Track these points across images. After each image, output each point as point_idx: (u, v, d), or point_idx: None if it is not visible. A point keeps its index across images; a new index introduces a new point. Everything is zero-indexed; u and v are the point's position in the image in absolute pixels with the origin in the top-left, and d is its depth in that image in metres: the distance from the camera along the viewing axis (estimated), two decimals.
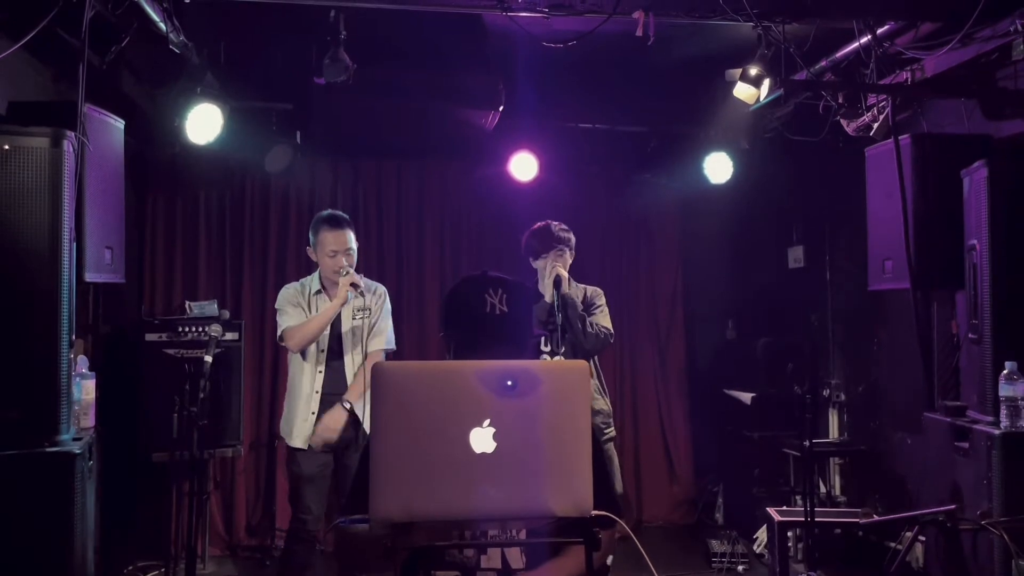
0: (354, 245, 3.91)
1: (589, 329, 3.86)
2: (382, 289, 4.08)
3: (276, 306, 3.96)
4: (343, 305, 3.82)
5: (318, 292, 3.92)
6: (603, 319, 3.95)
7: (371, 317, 3.97)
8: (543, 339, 3.85)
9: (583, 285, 4.07)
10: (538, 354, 3.85)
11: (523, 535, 1.88)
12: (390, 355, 4.05)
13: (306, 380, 3.87)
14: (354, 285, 3.75)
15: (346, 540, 1.88)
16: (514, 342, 1.94)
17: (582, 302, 3.96)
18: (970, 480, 3.19)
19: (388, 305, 4.06)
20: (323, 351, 3.87)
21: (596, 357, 4.00)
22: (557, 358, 3.80)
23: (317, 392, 3.85)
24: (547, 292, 3.88)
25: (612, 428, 4.07)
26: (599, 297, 4.04)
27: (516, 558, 1.91)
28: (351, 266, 3.87)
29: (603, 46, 4.25)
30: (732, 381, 5.92)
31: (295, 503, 3.90)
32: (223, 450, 4.86)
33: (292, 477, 3.92)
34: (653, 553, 1.90)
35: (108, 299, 4.93)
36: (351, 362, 3.91)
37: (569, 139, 5.44)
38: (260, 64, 4.78)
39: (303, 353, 3.88)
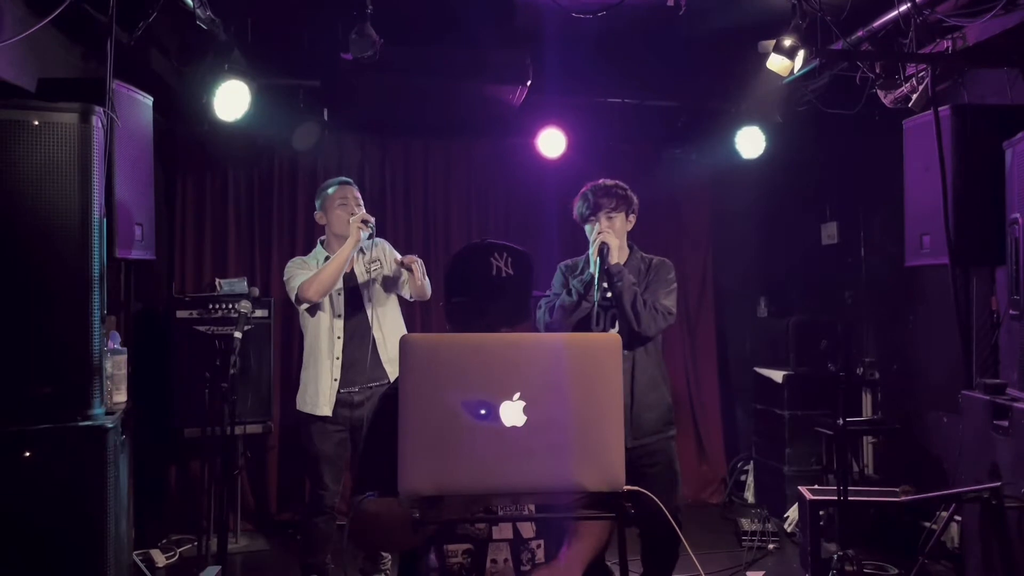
0: (361, 202, 3.98)
1: (640, 308, 3.27)
2: (385, 242, 4.12)
3: (285, 276, 3.99)
4: (357, 244, 3.82)
5: (326, 259, 3.93)
6: (665, 297, 3.34)
7: (385, 265, 4.00)
8: (595, 319, 3.33)
9: (649, 255, 3.51)
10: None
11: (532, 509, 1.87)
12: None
13: (324, 347, 3.88)
14: (365, 221, 3.78)
15: (363, 519, 1.86)
16: (520, 304, 1.95)
17: (644, 275, 3.41)
18: (1009, 459, 3.12)
19: (396, 253, 4.09)
20: (339, 316, 3.88)
21: (658, 341, 3.44)
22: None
23: (338, 358, 3.86)
24: (591, 263, 3.33)
25: (673, 427, 3.47)
26: (667, 271, 3.43)
27: (527, 527, 1.91)
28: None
29: (632, 18, 4.19)
30: (763, 359, 5.86)
31: (313, 479, 3.94)
32: (253, 426, 4.90)
33: (309, 455, 3.95)
34: (683, 531, 1.88)
35: (139, 277, 4.99)
36: (376, 319, 3.90)
37: (597, 114, 5.37)
38: (287, 41, 4.76)
39: (319, 323, 3.89)
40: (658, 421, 3.39)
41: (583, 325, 3.34)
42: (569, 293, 3.37)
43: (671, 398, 3.50)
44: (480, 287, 1.95)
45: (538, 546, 1.90)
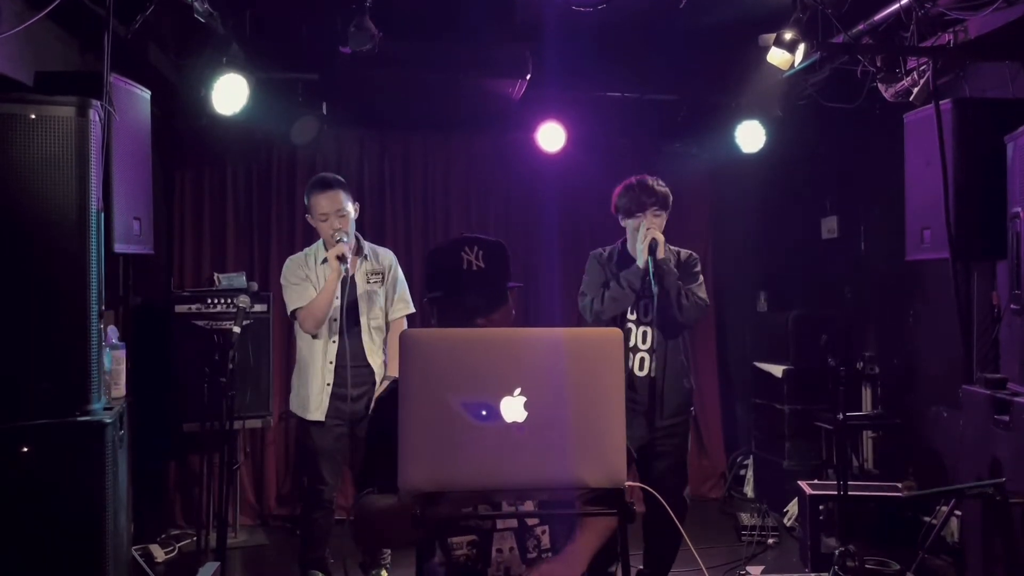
0: (348, 207, 3.84)
1: (684, 300, 3.52)
2: (391, 256, 4.08)
3: (281, 280, 3.97)
4: (340, 276, 3.76)
5: (324, 262, 3.89)
6: (699, 288, 3.62)
7: (385, 283, 3.97)
8: (630, 308, 3.57)
9: (676, 248, 3.71)
10: (622, 322, 3.59)
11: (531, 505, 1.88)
12: (410, 317, 4.10)
13: (318, 352, 3.87)
14: (341, 258, 3.69)
15: (364, 516, 1.87)
16: (493, 294, 1.98)
17: (677, 267, 3.61)
18: (1010, 454, 3.11)
19: (400, 271, 4.07)
20: (335, 320, 3.87)
21: (686, 332, 3.73)
22: (643, 329, 3.62)
23: (331, 363, 3.85)
24: (640, 257, 3.51)
25: (692, 407, 3.83)
26: (695, 263, 3.68)
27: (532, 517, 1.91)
28: (344, 231, 3.80)
29: (633, 12, 4.17)
30: (763, 354, 5.85)
31: (312, 475, 3.94)
32: (253, 421, 4.90)
33: (308, 451, 3.94)
34: (682, 526, 1.87)
35: (138, 271, 4.97)
36: (367, 327, 3.91)
37: (597, 108, 5.35)
38: (286, 34, 4.74)
39: None
40: (683, 403, 3.70)
41: (621, 315, 3.61)
42: (618, 283, 3.57)
43: (694, 385, 3.80)
44: (452, 282, 1.97)
45: (543, 532, 1.91)
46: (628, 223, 3.64)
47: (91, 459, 2.81)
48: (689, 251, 3.73)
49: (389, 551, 4.07)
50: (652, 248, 3.47)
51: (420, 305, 5.54)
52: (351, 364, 3.84)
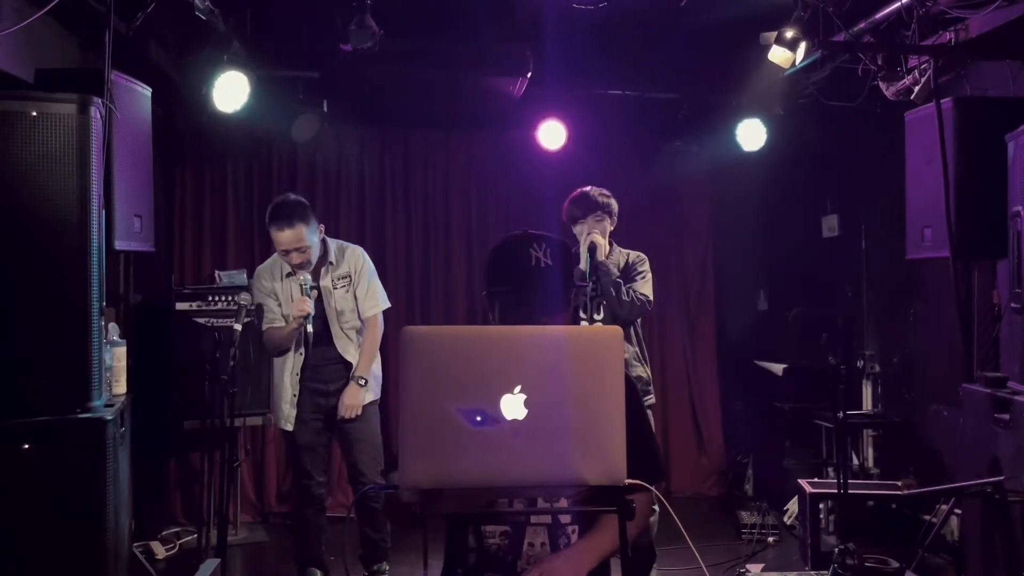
0: (312, 240, 3.78)
1: (624, 297, 3.77)
2: (358, 253, 4.03)
3: (252, 290, 3.98)
4: (301, 326, 3.77)
5: (289, 275, 3.88)
6: (643, 287, 3.86)
7: (353, 284, 3.95)
8: (582, 305, 3.77)
9: (626, 250, 3.99)
10: (576, 320, 3.78)
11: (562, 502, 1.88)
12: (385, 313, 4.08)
13: (287, 364, 3.90)
14: (305, 315, 3.73)
15: (393, 498, 1.89)
16: (559, 293, 1.98)
17: (623, 268, 3.89)
18: (1010, 453, 3.11)
19: (370, 265, 4.03)
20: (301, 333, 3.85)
21: (638, 325, 3.94)
22: (596, 325, 3.77)
23: (296, 375, 3.88)
24: (581, 258, 3.81)
25: (652, 396, 3.98)
26: (642, 263, 3.94)
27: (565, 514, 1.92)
28: (307, 263, 3.78)
29: (634, 10, 4.17)
30: (763, 352, 5.85)
31: (298, 470, 3.98)
32: (253, 418, 4.90)
33: (290, 446, 4.01)
34: (682, 524, 1.87)
35: (139, 269, 4.98)
36: (339, 331, 3.92)
37: (598, 106, 5.35)
38: (287, 31, 4.74)
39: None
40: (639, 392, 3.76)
41: (573, 312, 3.77)
42: None
43: (649, 375, 3.94)
44: (520, 276, 1.97)
45: (574, 531, 1.92)
46: (576, 230, 3.94)
47: (92, 456, 2.81)
48: (638, 253, 3.99)
49: (389, 545, 4.07)
50: (592, 250, 3.78)
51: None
52: (325, 363, 3.88)
